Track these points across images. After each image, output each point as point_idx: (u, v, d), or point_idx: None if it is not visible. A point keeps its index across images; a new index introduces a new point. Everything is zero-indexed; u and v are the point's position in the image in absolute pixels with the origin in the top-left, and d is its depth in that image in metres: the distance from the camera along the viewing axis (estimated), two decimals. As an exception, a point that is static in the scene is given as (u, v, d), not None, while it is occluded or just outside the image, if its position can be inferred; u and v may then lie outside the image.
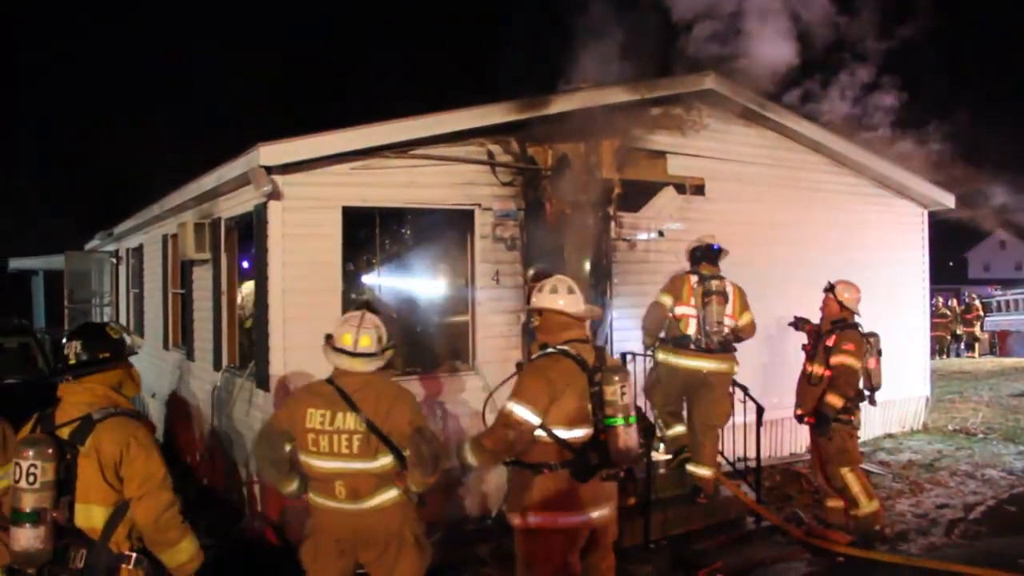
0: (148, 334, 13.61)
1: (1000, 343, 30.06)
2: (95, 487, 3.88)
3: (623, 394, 4.90)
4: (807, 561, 7.64)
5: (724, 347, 8.09)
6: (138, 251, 14.71)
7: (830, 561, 7.61)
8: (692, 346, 8.06)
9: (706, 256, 8.27)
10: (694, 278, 8.15)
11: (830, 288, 8.18)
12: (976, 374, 22.09)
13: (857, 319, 8.10)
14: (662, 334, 8.35)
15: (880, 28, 9.71)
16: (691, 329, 8.10)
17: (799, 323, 8.59)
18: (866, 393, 8.15)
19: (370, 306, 5.16)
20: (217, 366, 9.53)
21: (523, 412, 4.83)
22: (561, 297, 5.15)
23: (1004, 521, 8.70)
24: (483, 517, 8.43)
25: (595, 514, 5.00)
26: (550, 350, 5.04)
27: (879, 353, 8.19)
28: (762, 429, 8.76)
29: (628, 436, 4.89)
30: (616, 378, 4.93)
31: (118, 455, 3.89)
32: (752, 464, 8.86)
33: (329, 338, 4.89)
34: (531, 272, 9.04)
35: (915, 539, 8.16)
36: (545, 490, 4.90)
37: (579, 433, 4.91)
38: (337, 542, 4.77)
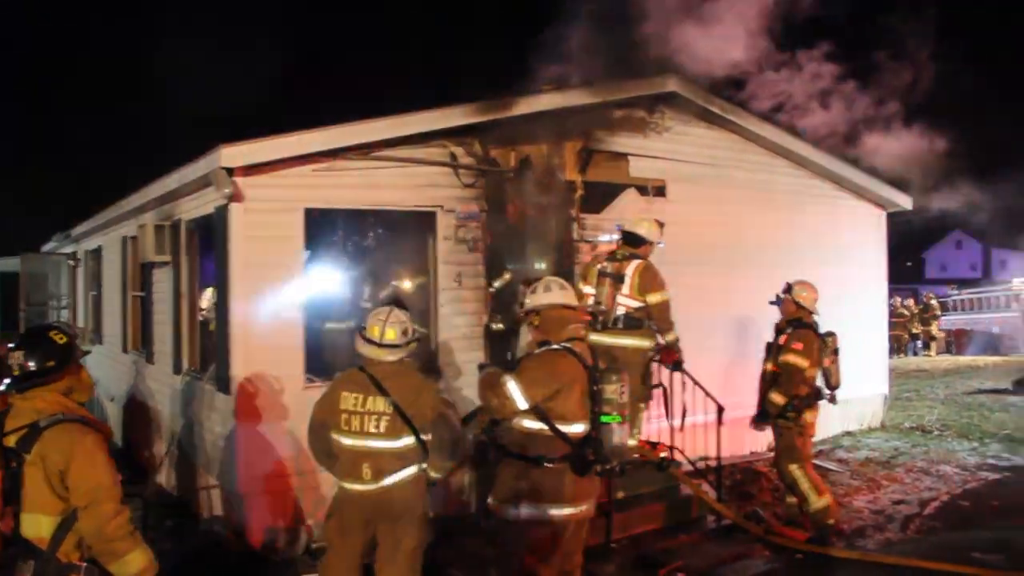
0: (107, 337, 13.47)
1: (956, 342, 30.52)
2: (41, 496, 3.77)
3: (622, 393, 5.10)
4: (767, 558, 7.73)
5: (629, 325, 8.08)
6: (96, 253, 14.53)
7: (789, 558, 7.70)
8: (598, 325, 8.05)
9: (628, 241, 8.30)
10: (603, 260, 8.19)
11: (788, 289, 8.32)
12: (933, 372, 22.42)
13: (816, 319, 8.21)
14: None
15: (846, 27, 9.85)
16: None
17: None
18: (826, 392, 8.26)
19: (398, 302, 5.52)
20: (177, 369, 9.45)
21: (514, 390, 5.00)
22: (555, 294, 5.33)
23: (958, 516, 8.86)
24: (445, 519, 8.42)
25: (583, 507, 5.17)
26: (555, 346, 5.19)
27: (836, 352, 8.28)
28: (723, 428, 8.84)
29: (622, 433, 5.11)
30: (615, 377, 5.18)
31: (63, 463, 3.75)
32: (713, 463, 8.94)
33: (361, 330, 5.41)
34: (499, 279, 9.02)
35: (872, 535, 8.29)
36: (542, 482, 5.04)
37: (579, 428, 5.11)
38: (363, 514, 5.26)
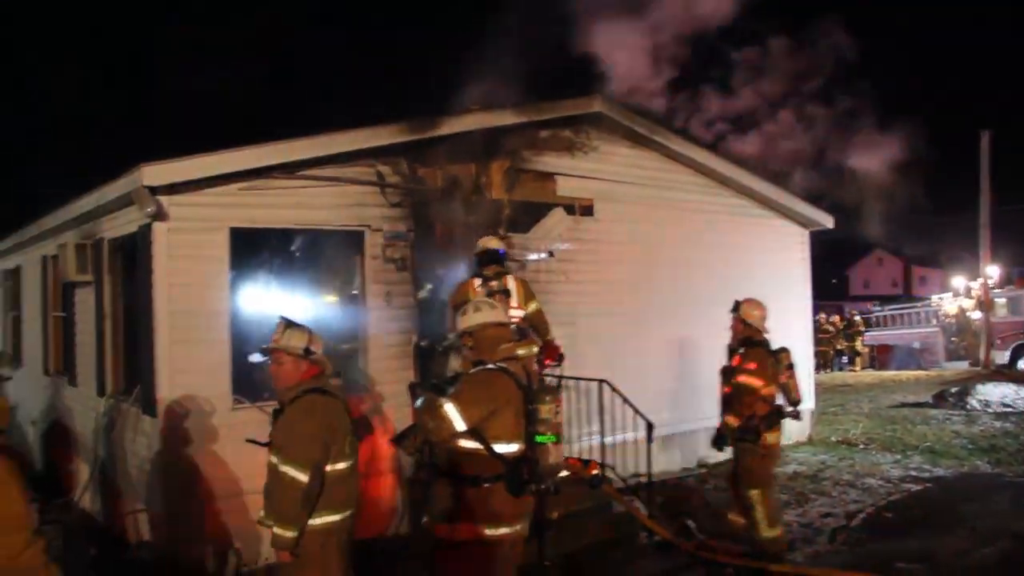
0: (28, 359, 13.13)
1: (879, 357, 31.21)
2: None
3: (556, 413, 5.08)
4: (699, 574, 7.79)
5: (520, 335, 8.03)
6: (15, 272, 14.16)
7: (720, 573, 7.77)
8: None
9: (492, 259, 8.21)
10: (477, 281, 8.11)
11: (736, 308, 8.18)
12: (857, 387, 22.89)
13: (766, 336, 8.07)
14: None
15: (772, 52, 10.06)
16: None
17: None
18: (788, 409, 8.13)
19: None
20: (101, 392, 9.24)
21: (452, 412, 4.90)
22: (486, 313, 5.28)
23: (883, 527, 9.02)
24: (381, 540, 8.37)
25: (518, 527, 5.12)
26: (490, 366, 5.13)
27: (790, 367, 8.19)
28: (654, 444, 8.91)
29: (557, 453, 5.09)
30: (549, 398, 5.15)
31: None
32: (644, 480, 9.00)
33: (308, 351, 5.09)
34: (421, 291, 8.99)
35: (801, 548, 8.38)
36: (477, 502, 4.98)
37: (513, 448, 5.05)
38: (342, 555, 5.06)
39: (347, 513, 5.05)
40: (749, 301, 8.15)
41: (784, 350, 8.19)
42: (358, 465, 5.22)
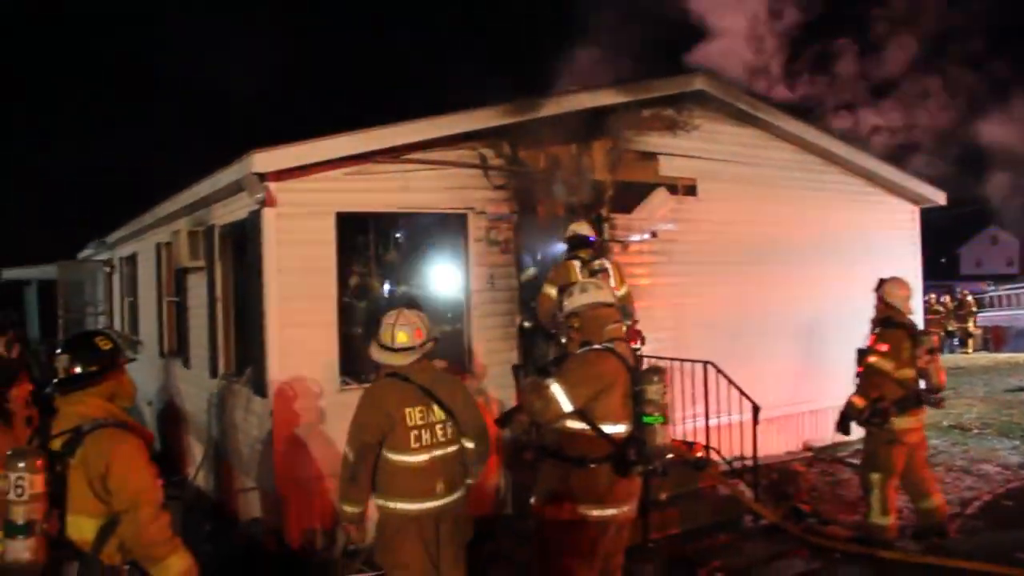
0: (143, 342, 13.60)
1: (994, 338, 30.11)
2: (84, 500, 3.80)
3: (664, 394, 5.09)
4: (805, 558, 7.66)
5: None
6: (131, 259, 14.70)
7: (828, 557, 7.63)
8: None
9: (582, 244, 8.20)
10: (576, 263, 8.07)
11: (879, 286, 7.93)
12: (970, 370, 22.11)
13: (911, 317, 7.80)
14: None
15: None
16: None
17: None
18: (932, 396, 7.71)
19: (412, 304, 5.39)
20: (213, 373, 9.53)
21: (559, 392, 4.95)
22: (592, 294, 5.28)
23: (1000, 516, 8.72)
24: (481, 520, 8.43)
25: (625, 508, 5.14)
26: (596, 346, 5.14)
27: (932, 351, 7.71)
28: (759, 427, 8.78)
29: (664, 434, 5.08)
30: (656, 378, 5.14)
31: (103, 468, 3.77)
32: (749, 462, 8.89)
33: (375, 336, 5.27)
34: (524, 274, 9.01)
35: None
36: (584, 483, 5.01)
37: (621, 429, 5.06)
38: (431, 530, 5.07)
39: (428, 504, 5.05)
40: (893, 280, 7.87)
41: (927, 332, 7.84)
42: (453, 456, 5.18)
